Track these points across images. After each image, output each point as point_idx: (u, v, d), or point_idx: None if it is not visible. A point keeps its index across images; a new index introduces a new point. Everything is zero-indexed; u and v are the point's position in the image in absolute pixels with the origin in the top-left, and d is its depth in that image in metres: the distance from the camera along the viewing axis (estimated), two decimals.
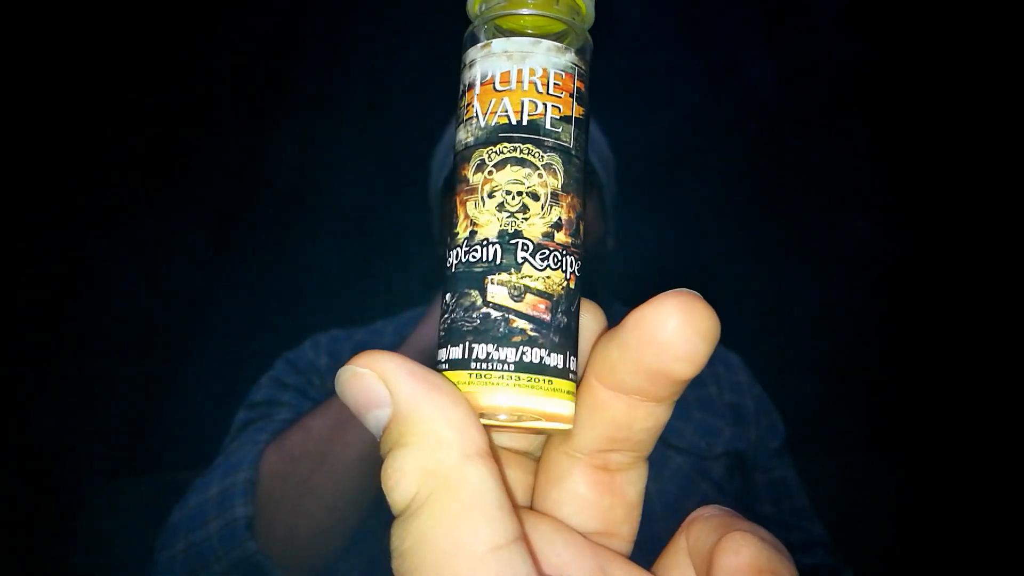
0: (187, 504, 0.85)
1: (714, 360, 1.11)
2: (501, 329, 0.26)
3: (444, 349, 0.27)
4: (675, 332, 0.24)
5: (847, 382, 1.54)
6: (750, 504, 1.06)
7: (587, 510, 0.27)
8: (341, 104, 1.51)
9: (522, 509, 0.28)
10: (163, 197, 1.44)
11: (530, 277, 0.27)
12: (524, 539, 0.23)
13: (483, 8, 0.30)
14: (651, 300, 0.25)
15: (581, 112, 0.29)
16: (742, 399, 1.09)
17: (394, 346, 1.00)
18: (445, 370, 0.27)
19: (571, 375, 0.27)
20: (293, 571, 0.82)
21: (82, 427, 1.37)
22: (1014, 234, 1.51)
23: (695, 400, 1.05)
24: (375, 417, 0.25)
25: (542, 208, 0.27)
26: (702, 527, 0.26)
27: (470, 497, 0.22)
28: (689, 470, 1.00)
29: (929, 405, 1.53)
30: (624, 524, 0.28)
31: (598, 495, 0.27)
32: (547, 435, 0.29)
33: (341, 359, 1.00)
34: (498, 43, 0.28)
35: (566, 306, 0.27)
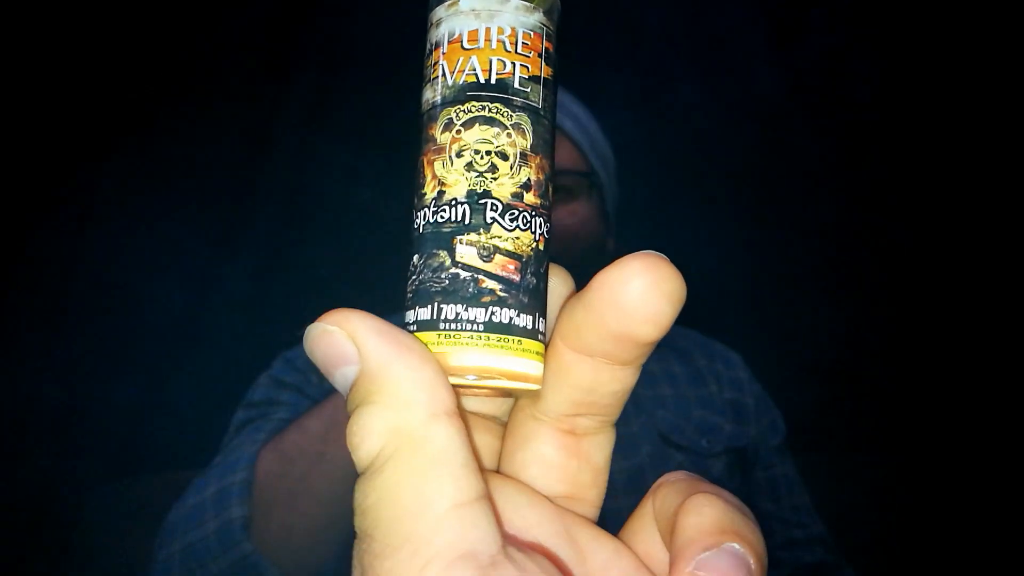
0: (185, 503, 0.84)
1: (714, 358, 1.11)
2: (470, 289, 0.26)
3: (412, 311, 0.27)
4: (639, 294, 0.23)
5: (847, 382, 1.53)
6: (750, 501, 1.06)
7: (553, 473, 0.27)
8: (339, 103, 1.51)
9: (488, 472, 0.27)
10: (163, 194, 1.44)
11: (499, 237, 0.26)
12: (488, 498, 0.22)
13: None
14: (616, 262, 0.24)
15: (550, 73, 0.28)
16: (742, 397, 1.08)
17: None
18: (414, 331, 0.26)
19: (540, 336, 0.27)
20: (290, 571, 0.82)
21: (82, 427, 1.37)
22: (1014, 234, 1.50)
23: (695, 398, 1.05)
24: (343, 374, 0.24)
25: (511, 168, 0.27)
26: (668, 491, 0.25)
27: (435, 455, 0.22)
28: (690, 468, 0.99)
29: (928, 405, 1.52)
30: (591, 488, 0.27)
31: (564, 458, 0.27)
32: (515, 398, 0.29)
33: None
34: (465, 2, 0.28)
35: (535, 267, 0.27)
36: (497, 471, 0.28)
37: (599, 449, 0.27)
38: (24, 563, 1.29)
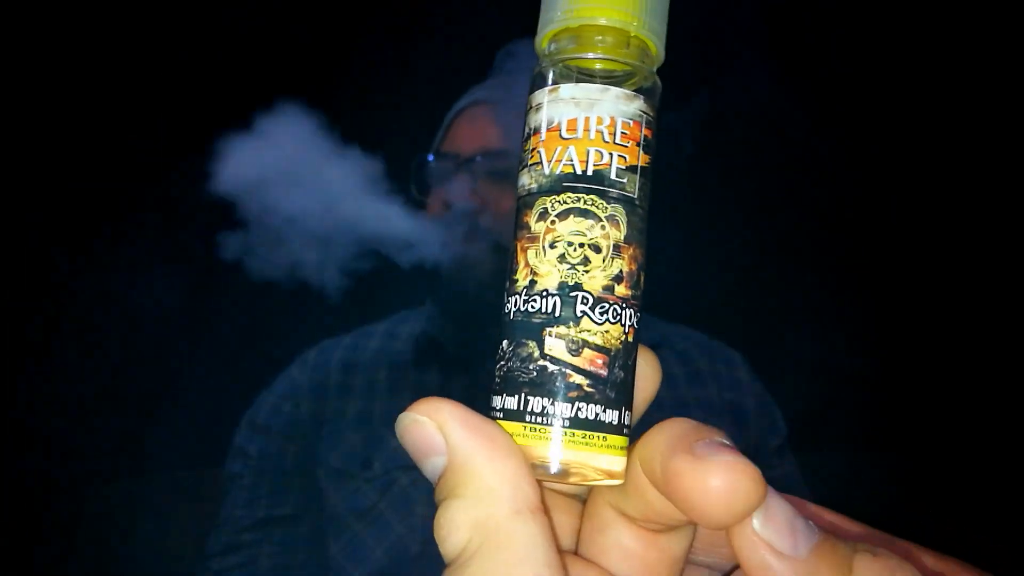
0: None
1: (715, 358, 1.09)
2: (557, 383, 0.26)
3: (499, 397, 0.27)
4: (718, 508, 0.22)
5: (847, 382, 1.50)
6: None
7: (632, 561, 0.27)
8: (332, 104, 1.51)
9: (568, 555, 0.28)
10: (160, 198, 1.47)
11: (588, 331, 0.26)
12: None
13: (552, 48, 0.30)
14: (694, 459, 0.23)
15: (647, 161, 0.28)
16: (742, 397, 1.06)
17: (383, 347, 1.02)
18: (500, 419, 0.27)
19: (625, 430, 0.27)
20: None
21: (83, 426, 1.41)
22: (1014, 234, 1.44)
23: (694, 400, 1.04)
24: (432, 465, 0.25)
25: (603, 260, 0.27)
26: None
27: (518, 553, 0.22)
28: None
29: (929, 405, 1.48)
30: None
31: (643, 549, 0.27)
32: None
33: (328, 371, 1.00)
34: (566, 89, 0.28)
35: (623, 360, 0.27)
36: (576, 552, 0.28)
37: (678, 542, 0.27)
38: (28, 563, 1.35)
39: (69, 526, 1.32)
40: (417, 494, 0.89)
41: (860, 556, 0.23)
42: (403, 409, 0.26)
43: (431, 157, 1.00)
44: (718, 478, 0.22)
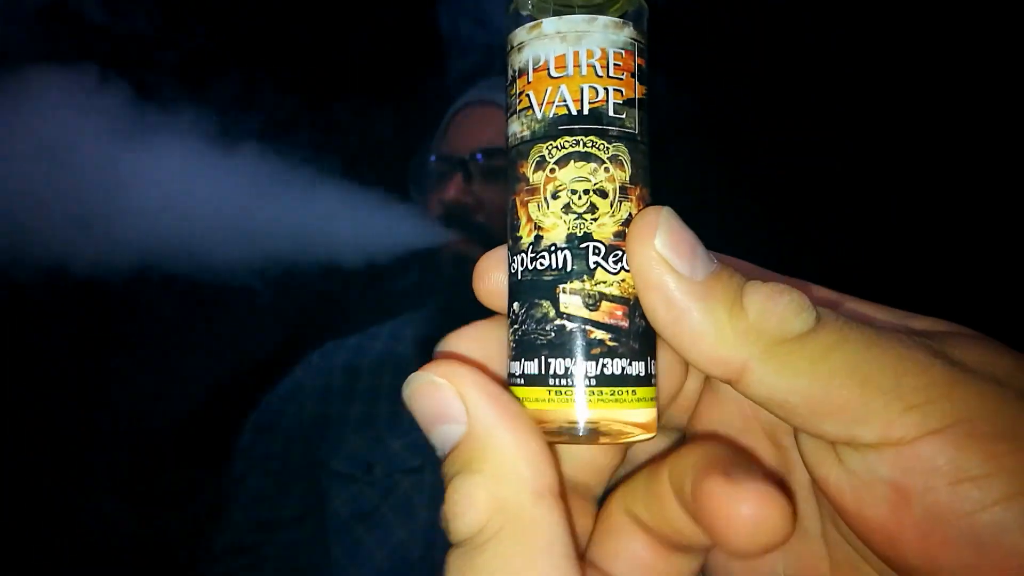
0: None
1: None
2: (579, 342, 0.25)
3: (517, 362, 0.26)
4: (742, 536, 0.22)
5: None
6: None
7: (640, 571, 0.26)
8: (331, 105, 1.47)
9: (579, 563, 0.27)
10: None
11: (604, 283, 0.25)
12: None
13: None
14: (727, 483, 0.22)
15: (643, 91, 0.26)
16: None
17: (387, 350, 1.01)
18: (520, 385, 0.25)
19: (652, 380, 0.26)
20: None
21: (85, 426, 1.40)
22: (1013, 234, 1.44)
23: None
24: (444, 433, 0.24)
25: (611, 205, 0.25)
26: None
27: (540, 541, 0.22)
28: None
29: None
30: None
31: (654, 560, 0.26)
32: (626, 448, 0.28)
33: (332, 374, 0.99)
34: (549, 23, 0.26)
35: (642, 308, 0.25)
36: (584, 555, 0.27)
37: (688, 563, 0.26)
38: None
39: (70, 527, 1.32)
40: (419, 498, 0.90)
41: (751, 283, 0.23)
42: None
43: (431, 160, 0.99)
44: (749, 506, 0.22)
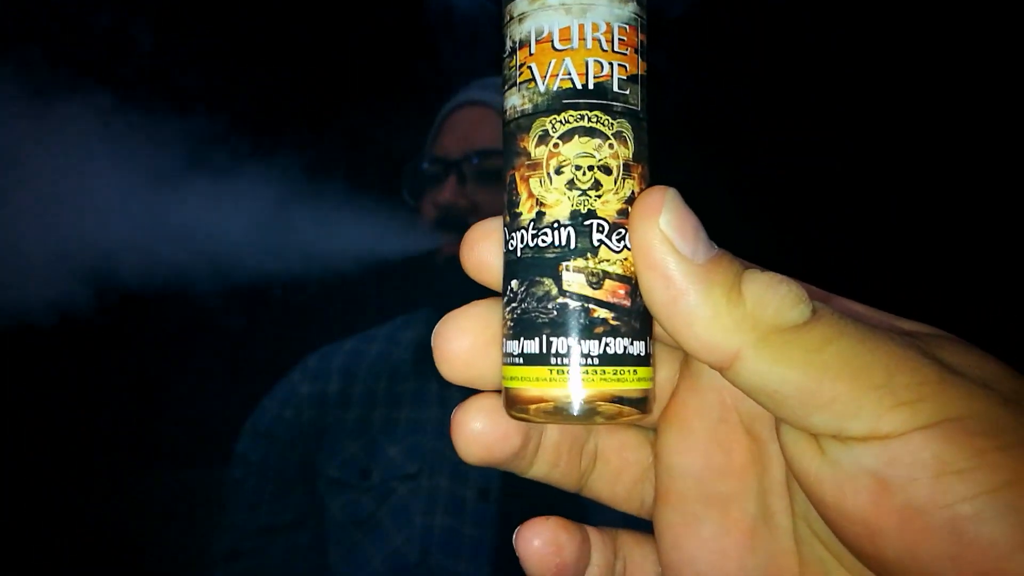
0: None
1: None
2: (581, 320, 0.24)
3: (516, 341, 0.25)
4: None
5: None
6: None
7: None
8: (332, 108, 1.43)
9: None
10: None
11: (608, 261, 0.24)
12: None
13: None
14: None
15: (645, 68, 0.26)
16: None
17: (384, 353, 1.00)
18: (519, 364, 0.25)
19: (651, 359, 0.26)
20: None
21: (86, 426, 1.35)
22: (1013, 233, 1.49)
23: None
24: None
25: (615, 183, 0.25)
26: None
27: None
28: None
29: None
30: None
31: None
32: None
33: (329, 379, 0.98)
34: None
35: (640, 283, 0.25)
36: None
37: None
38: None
39: (66, 531, 1.28)
40: (415, 504, 0.89)
41: (750, 270, 0.24)
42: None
43: (424, 164, 0.97)
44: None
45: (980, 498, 0.20)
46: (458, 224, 0.90)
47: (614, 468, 0.30)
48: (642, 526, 0.30)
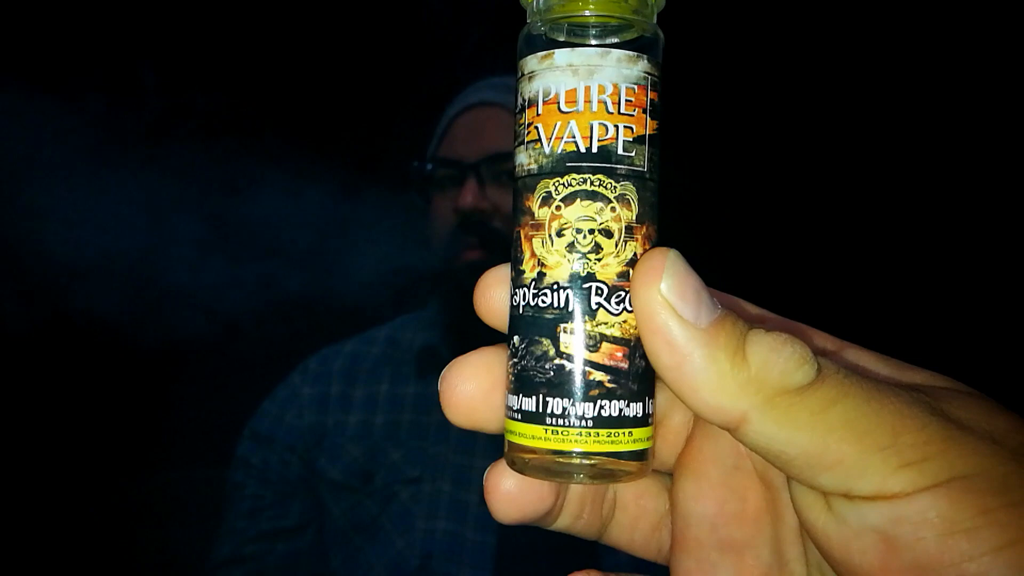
0: None
1: None
2: (577, 383, 0.25)
3: (515, 397, 0.26)
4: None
5: None
6: None
7: None
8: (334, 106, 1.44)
9: None
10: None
11: (606, 324, 0.25)
12: None
13: (540, 4, 0.27)
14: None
15: (655, 127, 0.26)
16: None
17: (385, 355, 0.99)
18: (518, 420, 0.26)
19: (649, 420, 0.26)
20: None
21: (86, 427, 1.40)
22: (1012, 233, 1.41)
23: None
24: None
25: (616, 246, 0.25)
26: None
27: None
28: None
29: None
30: None
31: None
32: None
33: (330, 381, 0.98)
34: (561, 55, 0.25)
35: (643, 349, 0.25)
36: None
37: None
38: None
39: (66, 535, 1.32)
40: (417, 509, 0.88)
41: (754, 331, 0.23)
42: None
43: (429, 165, 0.95)
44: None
45: (986, 557, 0.20)
46: (481, 228, 0.89)
47: (632, 515, 0.31)
48: (660, 571, 0.31)
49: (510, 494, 0.27)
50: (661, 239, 0.26)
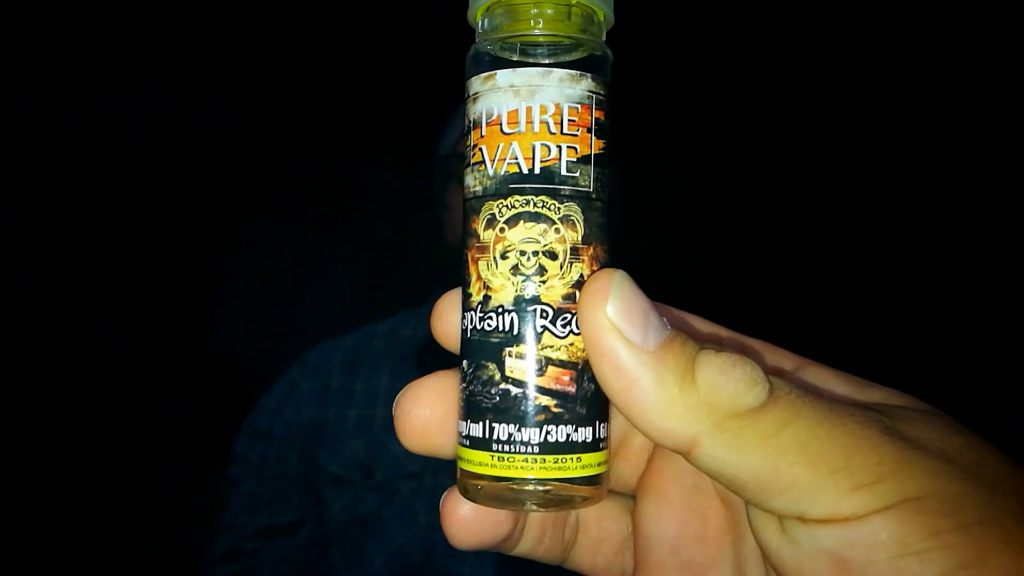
0: None
1: None
2: (522, 407, 0.24)
3: (464, 423, 0.25)
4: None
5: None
6: None
7: None
8: (339, 103, 1.45)
9: None
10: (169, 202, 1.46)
11: (551, 347, 0.24)
12: None
13: (486, 24, 0.27)
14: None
15: (601, 146, 0.25)
16: None
17: (385, 350, 0.99)
18: (466, 447, 0.25)
19: (602, 444, 0.25)
20: None
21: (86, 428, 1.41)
22: (1013, 233, 1.38)
23: None
24: None
25: (561, 267, 0.24)
26: None
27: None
28: None
29: (929, 401, 1.45)
30: None
31: None
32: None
33: (329, 375, 0.97)
34: (503, 76, 0.25)
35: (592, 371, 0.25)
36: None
37: None
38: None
39: (66, 533, 1.33)
40: (419, 503, 0.88)
41: (704, 352, 0.23)
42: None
43: (451, 157, 0.94)
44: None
45: None
46: None
47: (594, 539, 0.30)
48: None
49: (466, 520, 0.27)
50: (614, 259, 0.26)
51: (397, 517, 0.88)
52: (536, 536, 0.29)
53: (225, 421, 1.01)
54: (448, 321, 0.28)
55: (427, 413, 0.27)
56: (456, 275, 0.27)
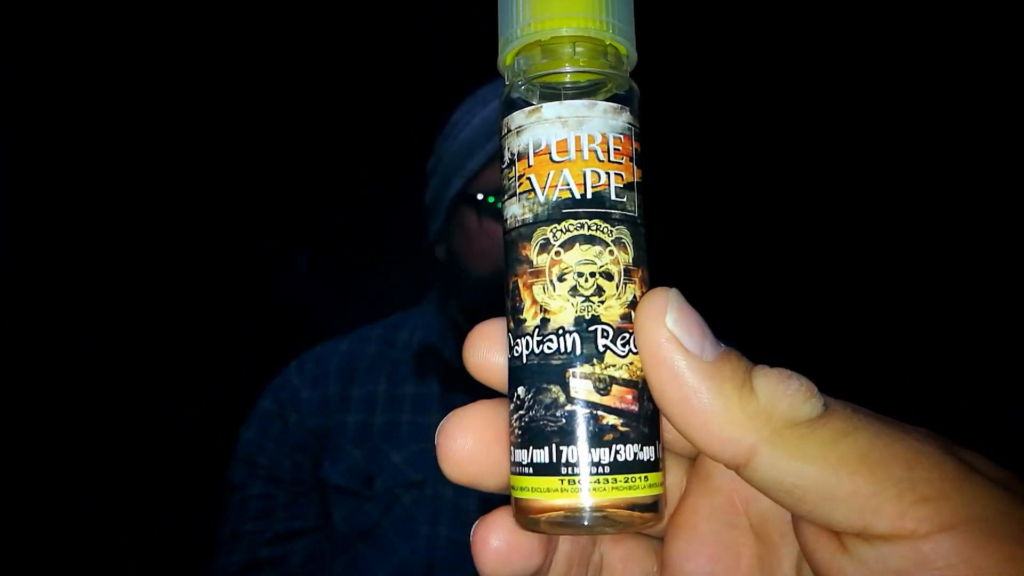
0: None
1: None
2: (591, 428, 0.24)
3: (524, 451, 0.25)
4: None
5: (847, 384, 1.53)
6: None
7: None
8: (335, 106, 1.47)
9: None
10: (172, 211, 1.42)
11: (614, 366, 0.24)
12: None
13: (520, 65, 0.28)
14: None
15: (640, 176, 0.27)
16: None
17: (380, 354, 0.98)
18: (529, 475, 0.25)
19: (661, 464, 0.25)
20: None
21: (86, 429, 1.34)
22: (1012, 233, 1.51)
23: None
24: None
25: (617, 288, 0.25)
26: None
27: None
28: None
29: (930, 401, 1.53)
30: None
31: None
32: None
33: (327, 381, 0.95)
34: (550, 108, 0.26)
35: (650, 391, 0.25)
36: None
37: None
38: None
39: (78, 543, 1.27)
40: (420, 513, 0.86)
41: (760, 366, 0.24)
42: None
43: (481, 194, 0.91)
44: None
45: None
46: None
47: None
48: None
49: (500, 551, 0.26)
50: (655, 284, 0.27)
51: (398, 528, 0.86)
52: (562, 572, 0.28)
53: (225, 421, 0.96)
54: (485, 352, 0.27)
55: (472, 442, 0.26)
56: (498, 303, 0.27)
